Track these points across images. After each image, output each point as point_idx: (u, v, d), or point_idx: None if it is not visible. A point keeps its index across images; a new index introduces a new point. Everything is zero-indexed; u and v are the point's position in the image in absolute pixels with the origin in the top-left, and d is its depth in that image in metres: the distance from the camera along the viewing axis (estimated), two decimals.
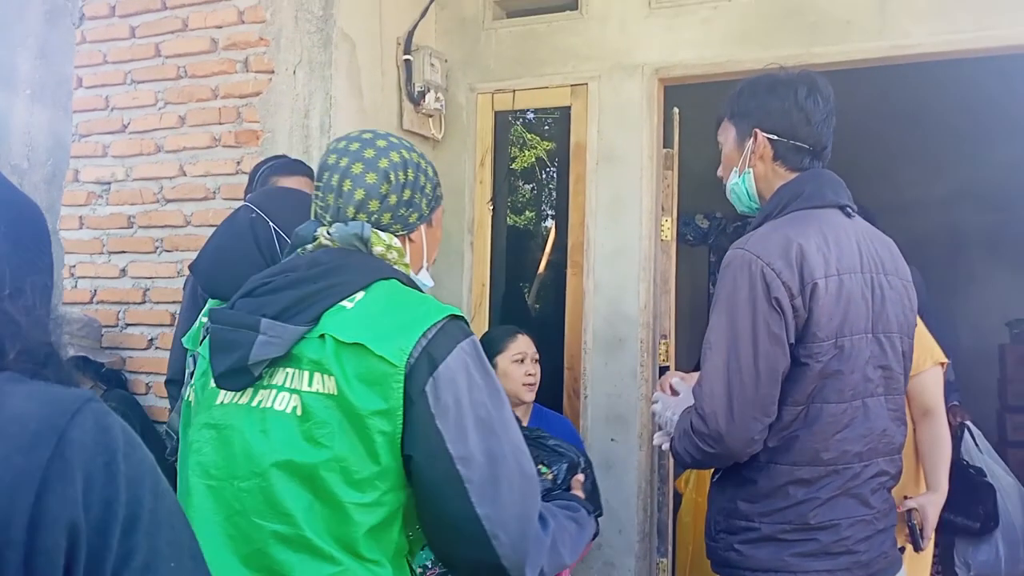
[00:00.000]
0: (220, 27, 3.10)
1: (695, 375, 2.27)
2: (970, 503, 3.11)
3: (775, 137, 1.67)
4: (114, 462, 0.67)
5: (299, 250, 1.34)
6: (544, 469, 1.81)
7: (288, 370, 1.22)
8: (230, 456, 1.24)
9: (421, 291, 1.31)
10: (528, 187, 6.97)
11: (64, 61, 1.64)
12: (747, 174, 1.71)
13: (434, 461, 1.15)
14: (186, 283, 2.71)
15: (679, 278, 3.42)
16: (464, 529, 1.16)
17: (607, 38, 3.29)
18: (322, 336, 1.20)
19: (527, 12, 3.51)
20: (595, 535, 1.50)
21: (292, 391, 1.21)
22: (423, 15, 3.34)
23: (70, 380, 0.75)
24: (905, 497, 2.31)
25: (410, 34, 3.27)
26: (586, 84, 3.30)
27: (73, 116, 3.28)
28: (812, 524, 1.55)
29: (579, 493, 1.64)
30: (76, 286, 3.29)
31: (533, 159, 6.95)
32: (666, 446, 1.72)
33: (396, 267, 1.31)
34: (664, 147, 3.29)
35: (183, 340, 1.97)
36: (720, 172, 1.80)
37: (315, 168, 1.46)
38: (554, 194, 5.99)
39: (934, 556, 3.17)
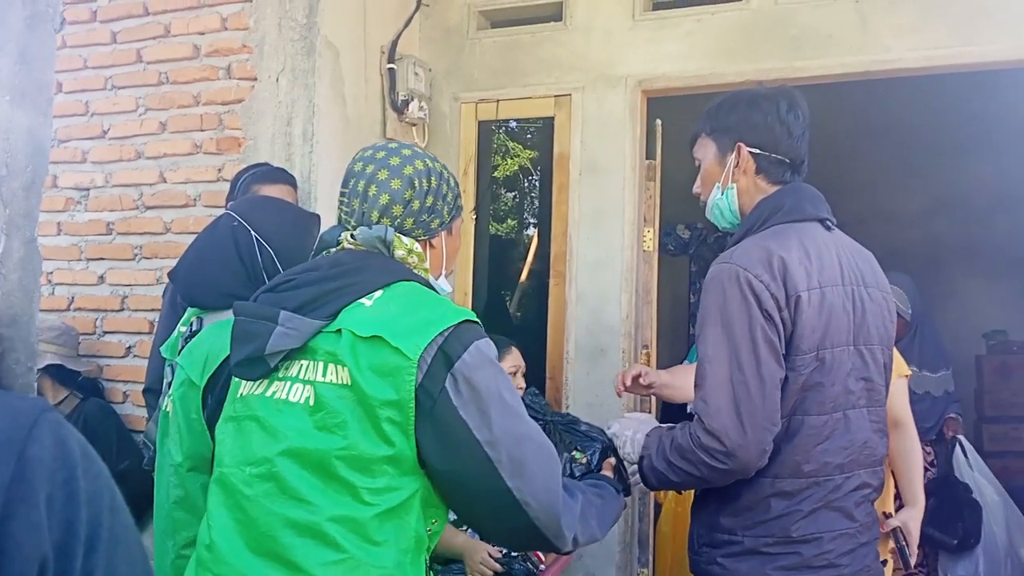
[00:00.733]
0: (203, 33, 3.08)
1: (677, 369, 2.27)
2: (951, 520, 3.10)
3: (758, 151, 1.67)
4: (74, 479, 0.64)
5: (324, 252, 1.40)
6: (579, 454, 1.81)
7: (303, 362, 1.28)
8: (245, 444, 1.30)
9: (438, 294, 1.37)
10: (510, 195, 6.98)
11: (45, 67, 1.62)
12: (730, 189, 1.70)
13: (464, 449, 1.22)
14: (165, 291, 2.69)
15: (660, 288, 3.43)
16: (498, 503, 1.25)
17: (591, 49, 3.31)
18: (339, 331, 1.26)
19: (511, 22, 3.52)
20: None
21: (306, 382, 1.27)
22: (407, 24, 3.34)
23: (11, 379, 0.71)
24: (884, 514, 2.31)
25: (394, 43, 3.27)
26: (570, 95, 3.32)
27: (52, 121, 3.24)
28: (794, 537, 1.54)
29: (610, 475, 1.68)
30: (53, 293, 3.24)
31: (516, 167, 6.96)
32: (636, 455, 1.64)
33: (415, 271, 1.37)
34: (647, 158, 3.31)
35: (161, 349, 1.95)
36: (697, 189, 1.79)
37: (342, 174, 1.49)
38: (536, 202, 6.02)
39: (921, 566, 3.19)
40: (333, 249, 1.38)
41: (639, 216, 3.26)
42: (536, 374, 3.19)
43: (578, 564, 3.10)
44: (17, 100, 1.74)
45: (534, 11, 3.49)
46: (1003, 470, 3.94)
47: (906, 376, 2.42)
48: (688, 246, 6.20)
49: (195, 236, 1.93)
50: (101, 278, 3.19)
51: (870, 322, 1.63)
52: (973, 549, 3.11)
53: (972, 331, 5.30)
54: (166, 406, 1.73)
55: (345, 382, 1.23)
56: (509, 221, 6.47)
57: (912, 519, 2.21)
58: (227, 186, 2.71)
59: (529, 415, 1.34)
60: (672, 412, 3.60)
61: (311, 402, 1.25)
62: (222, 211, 2.08)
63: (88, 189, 3.23)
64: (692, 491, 1.83)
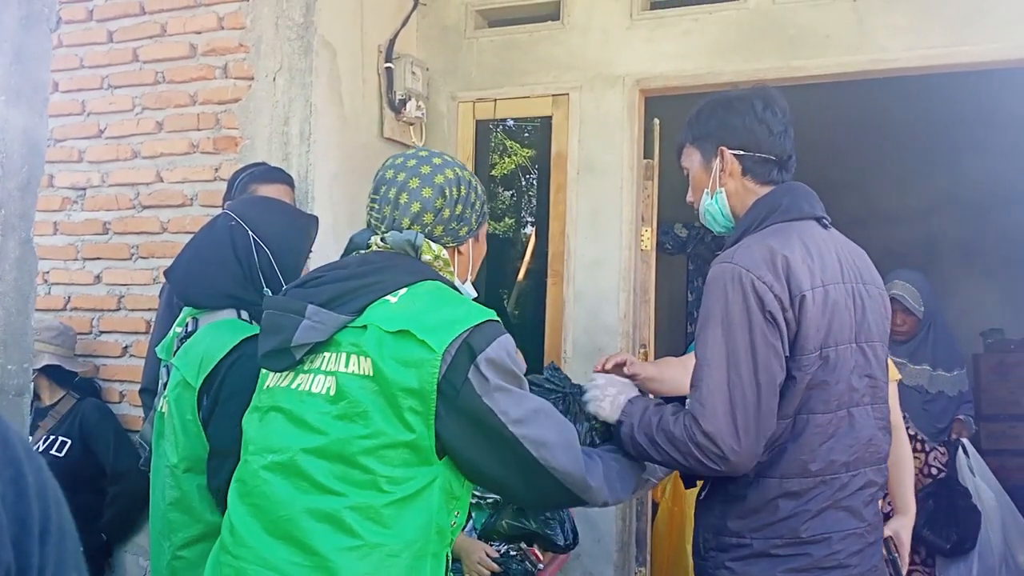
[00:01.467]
0: (199, 32, 3.07)
1: (664, 361, 2.25)
2: (946, 524, 3.07)
3: (741, 152, 1.68)
4: (21, 475, 0.63)
5: (354, 254, 1.46)
6: (597, 424, 1.83)
7: (327, 354, 1.33)
8: (269, 434, 1.35)
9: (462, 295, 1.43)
10: (508, 194, 6.97)
11: (40, 66, 1.62)
12: (719, 194, 1.71)
13: (492, 433, 1.29)
14: (162, 290, 2.68)
15: (657, 287, 3.43)
16: (528, 471, 1.33)
17: (589, 49, 3.30)
18: (365, 326, 1.30)
19: (509, 22, 3.52)
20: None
21: (328, 373, 1.32)
22: (404, 23, 3.33)
23: (6, 379, 0.71)
24: None
25: (391, 42, 3.26)
26: (567, 94, 3.31)
27: (48, 121, 3.23)
28: (804, 538, 1.53)
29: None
30: (50, 292, 3.24)
31: (514, 167, 6.95)
32: (614, 416, 1.63)
33: (440, 273, 1.42)
34: (644, 157, 3.31)
35: (156, 350, 1.94)
36: (689, 197, 1.80)
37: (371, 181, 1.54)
38: (534, 202, 6.00)
39: (924, 565, 3.18)
40: (363, 251, 1.44)
41: (637, 215, 3.25)
42: (533, 373, 3.18)
43: (576, 564, 3.10)
44: (13, 100, 1.73)
45: (531, 10, 3.49)
46: (1000, 468, 3.93)
47: (896, 380, 2.42)
48: (686, 245, 6.19)
49: (192, 236, 1.93)
50: (97, 278, 3.19)
51: (870, 319, 1.63)
52: (968, 554, 3.09)
53: (969, 330, 5.30)
54: (161, 407, 1.73)
55: (367, 372, 1.28)
56: (507, 220, 6.46)
57: (904, 528, 2.19)
58: (224, 186, 2.71)
59: (550, 388, 1.57)
60: None
61: (331, 392, 1.30)
62: (219, 211, 2.07)
63: (84, 189, 3.22)
64: (691, 491, 1.82)
